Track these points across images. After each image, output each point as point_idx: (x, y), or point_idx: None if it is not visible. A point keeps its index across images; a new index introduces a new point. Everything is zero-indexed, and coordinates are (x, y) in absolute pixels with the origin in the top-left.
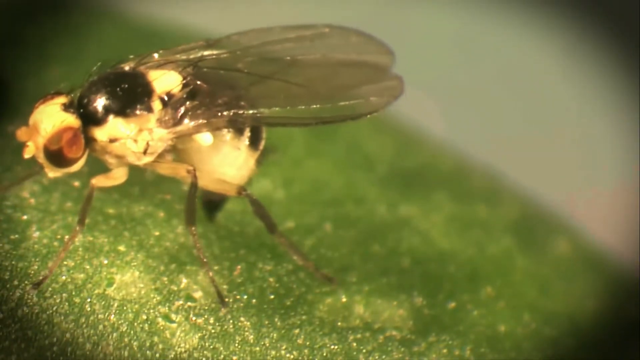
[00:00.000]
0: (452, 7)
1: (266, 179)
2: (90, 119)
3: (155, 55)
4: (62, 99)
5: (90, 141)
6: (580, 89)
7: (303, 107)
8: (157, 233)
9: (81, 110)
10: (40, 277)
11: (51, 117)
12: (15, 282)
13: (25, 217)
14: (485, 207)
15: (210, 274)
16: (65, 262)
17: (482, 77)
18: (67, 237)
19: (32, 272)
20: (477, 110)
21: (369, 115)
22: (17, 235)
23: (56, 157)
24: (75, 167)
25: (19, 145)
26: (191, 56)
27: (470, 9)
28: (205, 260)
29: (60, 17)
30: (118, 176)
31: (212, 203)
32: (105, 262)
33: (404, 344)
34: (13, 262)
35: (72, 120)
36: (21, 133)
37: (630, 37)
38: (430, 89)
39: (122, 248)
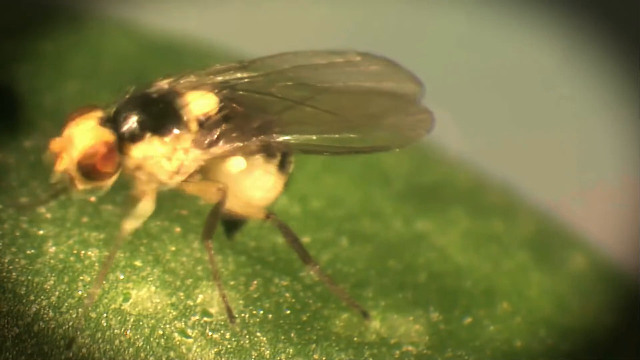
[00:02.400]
0: (455, 9)
1: (283, 194)
2: (126, 136)
3: (191, 76)
4: (99, 113)
5: (124, 158)
6: (581, 90)
7: (334, 135)
8: (173, 248)
9: (118, 126)
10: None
11: (87, 131)
12: (32, 297)
13: (41, 232)
14: (501, 222)
15: (224, 291)
16: (81, 277)
17: (483, 78)
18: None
19: (48, 287)
20: (478, 111)
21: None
22: (33, 250)
23: (89, 171)
24: (107, 182)
25: (36, 160)
26: (226, 77)
27: (470, 10)
28: (218, 275)
29: (75, 32)
30: (145, 211)
31: (232, 222)
32: (122, 277)
33: (420, 359)
34: (29, 277)
35: (108, 135)
36: (55, 144)
37: (630, 37)
38: (433, 92)
39: (138, 263)
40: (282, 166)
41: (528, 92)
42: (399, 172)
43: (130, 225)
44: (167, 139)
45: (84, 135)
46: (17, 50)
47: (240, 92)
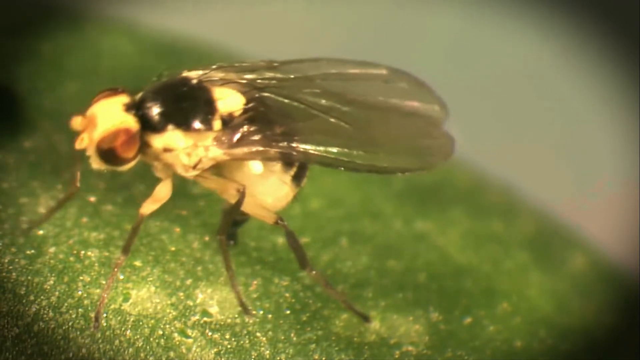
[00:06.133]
0: (454, 9)
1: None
2: (149, 125)
3: (220, 72)
4: (125, 98)
5: (144, 146)
6: (581, 90)
7: (355, 151)
8: (173, 248)
9: (142, 114)
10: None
11: (111, 115)
12: (32, 297)
13: (41, 232)
14: (501, 222)
15: (236, 284)
16: (81, 277)
17: (483, 78)
18: (112, 267)
19: (48, 287)
20: (478, 111)
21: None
22: (33, 251)
23: (108, 155)
24: (125, 167)
25: (36, 161)
26: (254, 77)
27: (469, 10)
28: (232, 270)
29: (75, 32)
30: (163, 195)
31: (233, 223)
32: (122, 277)
33: (420, 359)
34: (29, 278)
35: (131, 122)
36: (76, 122)
37: (630, 37)
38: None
39: (138, 263)
40: (296, 178)
41: (528, 92)
42: None
43: (147, 209)
44: (189, 133)
45: (107, 118)
46: (17, 50)
47: (268, 95)
